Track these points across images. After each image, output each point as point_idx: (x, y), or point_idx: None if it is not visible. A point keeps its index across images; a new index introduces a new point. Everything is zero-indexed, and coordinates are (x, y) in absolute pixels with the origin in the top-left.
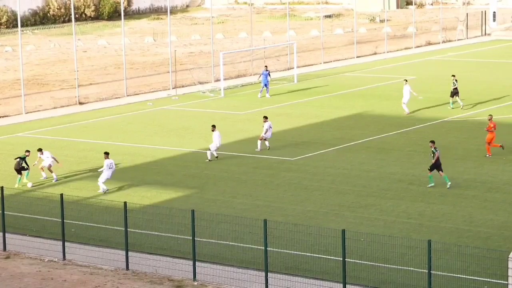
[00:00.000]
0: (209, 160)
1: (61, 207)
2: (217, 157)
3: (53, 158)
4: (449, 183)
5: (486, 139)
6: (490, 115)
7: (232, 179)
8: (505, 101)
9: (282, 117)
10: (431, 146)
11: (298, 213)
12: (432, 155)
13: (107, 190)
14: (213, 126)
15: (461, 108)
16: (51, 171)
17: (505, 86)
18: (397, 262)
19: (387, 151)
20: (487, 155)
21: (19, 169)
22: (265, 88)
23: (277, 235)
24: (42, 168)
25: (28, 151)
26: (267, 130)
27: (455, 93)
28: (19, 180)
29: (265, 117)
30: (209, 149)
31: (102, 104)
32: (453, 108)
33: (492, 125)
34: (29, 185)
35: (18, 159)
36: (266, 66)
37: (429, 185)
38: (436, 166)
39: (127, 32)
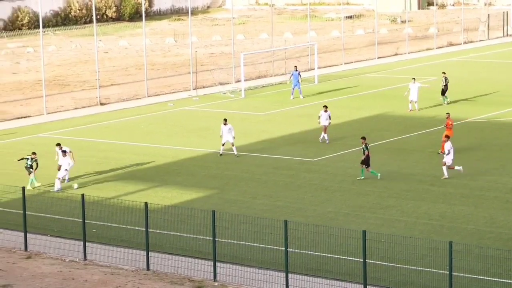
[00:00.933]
0: (221, 154)
1: (82, 208)
2: (221, 154)
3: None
4: (379, 174)
5: (443, 137)
6: (447, 113)
7: (253, 179)
8: None
9: (303, 118)
10: (362, 143)
11: (318, 214)
12: (363, 151)
13: (61, 189)
14: (225, 120)
15: (447, 104)
16: (58, 169)
17: None
18: (418, 263)
19: (408, 152)
20: (440, 152)
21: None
22: (297, 89)
23: (297, 236)
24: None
25: (34, 153)
26: (319, 117)
27: (445, 90)
28: (31, 181)
29: (325, 107)
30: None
31: (123, 105)
32: (446, 103)
33: (450, 122)
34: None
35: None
36: (296, 67)
37: (359, 178)
38: (367, 162)
39: (148, 33)
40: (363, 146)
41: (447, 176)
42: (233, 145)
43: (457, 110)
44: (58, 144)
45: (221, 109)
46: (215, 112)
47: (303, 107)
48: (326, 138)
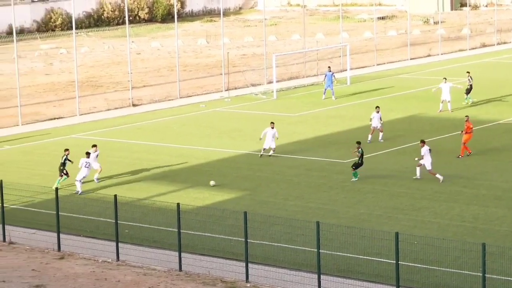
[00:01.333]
0: (261, 155)
1: (115, 208)
2: (261, 155)
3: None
4: (357, 178)
5: (462, 140)
6: (466, 116)
7: (285, 181)
8: None
9: (335, 119)
10: (357, 148)
11: (351, 216)
12: (359, 154)
13: (82, 192)
14: (272, 123)
15: (469, 104)
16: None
17: None
18: (451, 265)
19: (441, 153)
20: (460, 156)
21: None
22: (329, 89)
23: (329, 237)
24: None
25: (67, 149)
26: (370, 119)
27: (470, 89)
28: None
29: (377, 107)
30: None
31: (155, 106)
32: (467, 104)
33: (471, 126)
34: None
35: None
36: (329, 67)
37: (353, 180)
38: (360, 165)
39: (180, 34)
40: (358, 151)
41: (419, 177)
42: (273, 150)
43: (490, 111)
44: (94, 146)
45: (253, 110)
46: (247, 113)
47: (335, 108)
48: (380, 138)
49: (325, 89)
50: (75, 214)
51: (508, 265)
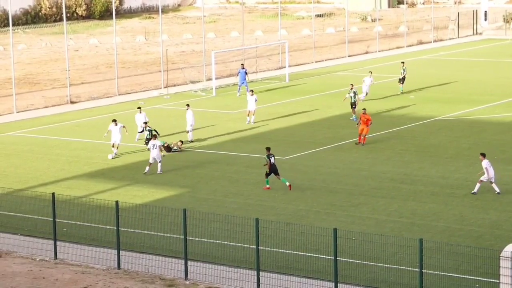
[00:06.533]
0: (191, 140)
1: (53, 206)
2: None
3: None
4: (287, 183)
5: (358, 130)
6: (364, 109)
7: (224, 178)
8: (495, 100)
9: (274, 116)
10: (266, 154)
11: (289, 212)
12: (266, 161)
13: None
14: (187, 105)
15: (401, 93)
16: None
17: (496, 85)
18: (388, 261)
19: (379, 150)
20: (358, 143)
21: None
22: (244, 86)
23: (268, 234)
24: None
25: (146, 122)
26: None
27: (403, 79)
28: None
29: (251, 90)
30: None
31: (93, 103)
32: (402, 92)
33: (368, 118)
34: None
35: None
36: (242, 64)
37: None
38: (273, 171)
39: (118, 31)
40: (267, 155)
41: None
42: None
43: (427, 108)
44: (114, 120)
45: (192, 107)
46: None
47: (273, 105)
48: (252, 120)
49: (239, 86)
50: (12, 212)
51: (445, 261)
